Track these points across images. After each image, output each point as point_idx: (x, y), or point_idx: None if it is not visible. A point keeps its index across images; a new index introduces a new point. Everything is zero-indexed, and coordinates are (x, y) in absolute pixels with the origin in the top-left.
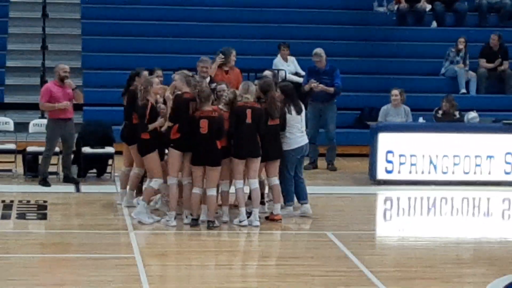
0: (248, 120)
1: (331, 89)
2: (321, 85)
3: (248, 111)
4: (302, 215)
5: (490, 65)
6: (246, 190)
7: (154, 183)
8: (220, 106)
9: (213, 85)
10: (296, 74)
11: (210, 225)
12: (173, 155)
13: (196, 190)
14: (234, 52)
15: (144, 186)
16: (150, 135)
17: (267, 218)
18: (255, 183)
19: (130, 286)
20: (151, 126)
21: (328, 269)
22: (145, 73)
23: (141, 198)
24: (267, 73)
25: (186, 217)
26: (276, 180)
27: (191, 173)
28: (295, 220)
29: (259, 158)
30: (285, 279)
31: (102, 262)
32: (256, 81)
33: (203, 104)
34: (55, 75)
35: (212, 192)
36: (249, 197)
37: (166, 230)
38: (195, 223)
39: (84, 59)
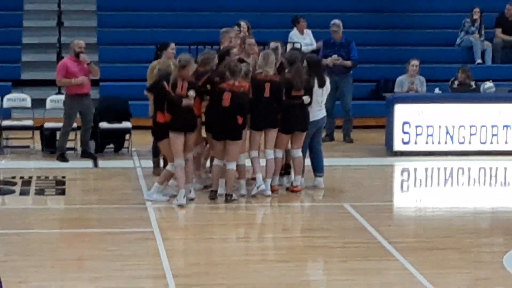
0: (266, 94)
1: (349, 63)
2: (340, 62)
3: (267, 85)
4: (314, 188)
5: (506, 37)
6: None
7: (171, 166)
8: (239, 80)
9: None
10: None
11: (228, 199)
12: (172, 138)
13: (217, 163)
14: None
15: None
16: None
17: (287, 189)
18: (270, 154)
19: (149, 260)
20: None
21: (346, 241)
22: (173, 44)
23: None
24: (272, 44)
25: (190, 191)
26: (299, 152)
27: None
28: (312, 192)
29: (276, 129)
30: (303, 251)
31: (121, 236)
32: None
33: (229, 77)
34: (70, 51)
35: (231, 166)
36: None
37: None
38: (214, 195)
39: (100, 34)
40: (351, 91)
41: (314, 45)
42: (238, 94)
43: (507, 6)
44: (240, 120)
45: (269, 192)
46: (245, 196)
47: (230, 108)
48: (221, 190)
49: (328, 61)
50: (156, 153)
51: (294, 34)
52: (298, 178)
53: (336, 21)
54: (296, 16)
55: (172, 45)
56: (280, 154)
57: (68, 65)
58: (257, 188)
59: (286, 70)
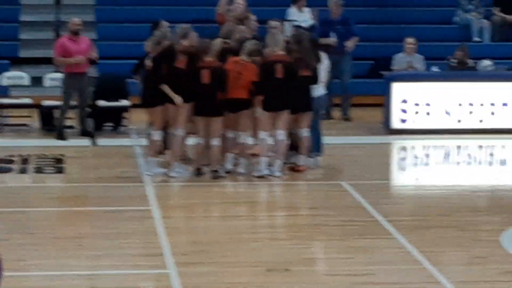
0: (278, 74)
1: (356, 40)
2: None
3: (278, 66)
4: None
5: (505, 15)
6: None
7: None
8: (243, 57)
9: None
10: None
11: (214, 175)
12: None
13: (199, 140)
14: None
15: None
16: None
17: (291, 169)
18: (281, 135)
19: (148, 238)
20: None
21: (345, 219)
22: (164, 22)
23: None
24: (273, 23)
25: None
26: (305, 132)
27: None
28: (310, 171)
29: (288, 111)
30: (301, 229)
31: (120, 214)
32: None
33: (204, 55)
34: (68, 29)
35: (215, 142)
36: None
37: (182, 182)
38: (198, 172)
39: (98, 12)
40: (350, 69)
41: (311, 23)
42: (216, 70)
43: None
44: (221, 96)
45: (278, 173)
46: (242, 174)
47: (209, 85)
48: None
49: (330, 41)
50: None
51: (292, 11)
52: (302, 158)
53: None
54: None
55: (164, 23)
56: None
57: (66, 44)
58: (259, 172)
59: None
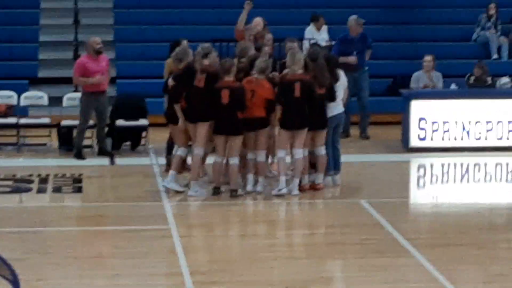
0: (297, 93)
1: (369, 52)
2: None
3: (297, 85)
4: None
5: None
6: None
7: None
8: (255, 75)
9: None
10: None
11: (234, 194)
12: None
13: (218, 159)
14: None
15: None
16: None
17: (310, 187)
18: (299, 153)
19: (166, 258)
20: None
21: (363, 237)
22: (185, 42)
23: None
24: (290, 44)
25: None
26: (322, 150)
27: (201, 143)
28: (329, 189)
29: (306, 129)
30: (320, 247)
31: (138, 234)
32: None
33: (224, 75)
34: (88, 48)
35: (234, 160)
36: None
37: (201, 201)
38: (216, 191)
39: (116, 32)
40: (368, 87)
41: (326, 40)
42: (236, 90)
43: None
44: (239, 115)
45: (296, 192)
46: (260, 193)
47: (229, 105)
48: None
49: (350, 59)
50: (170, 150)
51: (310, 31)
52: (320, 176)
53: (356, 16)
54: (315, 14)
55: (185, 42)
56: (306, 152)
57: (86, 63)
58: (279, 190)
59: (308, 68)
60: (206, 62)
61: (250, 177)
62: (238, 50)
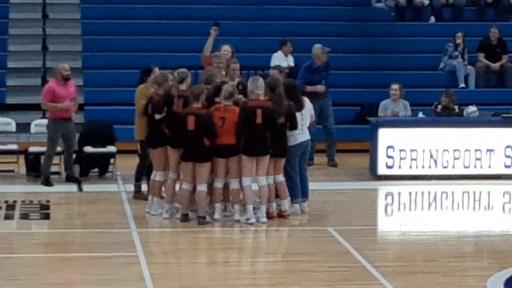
0: (258, 120)
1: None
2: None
3: (259, 111)
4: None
5: (489, 62)
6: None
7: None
8: (223, 101)
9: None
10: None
11: (201, 221)
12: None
13: (186, 186)
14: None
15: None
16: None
17: (277, 214)
18: (263, 180)
19: (135, 284)
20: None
21: (331, 265)
22: (157, 69)
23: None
24: (273, 72)
25: (177, 211)
26: (281, 177)
27: (178, 169)
28: (297, 216)
29: (268, 156)
30: (288, 275)
31: (106, 260)
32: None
33: (192, 101)
34: (56, 75)
35: (201, 188)
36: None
37: (169, 228)
38: (184, 219)
39: (85, 59)
40: (332, 114)
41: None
42: (202, 116)
43: (492, 29)
44: (206, 142)
45: (264, 219)
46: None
47: (195, 131)
48: (217, 215)
49: (319, 88)
50: (138, 177)
51: (278, 56)
52: (285, 203)
53: (321, 45)
54: (285, 39)
55: (156, 69)
56: (271, 180)
57: (55, 89)
58: (247, 220)
59: (267, 97)
60: (183, 87)
61: (217, 206)
62: (204, 77)
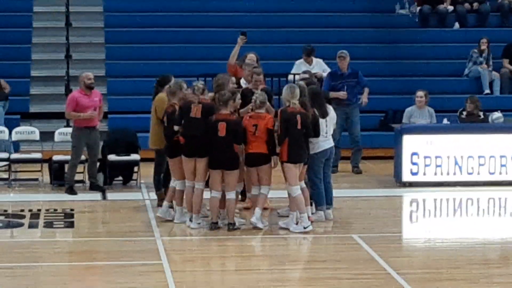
0: (299, 126)
1: (367, 90)
2: (364, 100)
3: (298, 117)
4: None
5: None
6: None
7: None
8: (256, 110)
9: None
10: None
11: (230, 227)
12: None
13: (215, 194)
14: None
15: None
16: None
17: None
18: (302, 186)
19: None
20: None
21: (355, 272)
22: (173, 78)
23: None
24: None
25: (190, 220)
26: (302, 184)
27: (202, 177)
28: (322, 224)
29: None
30: (312, 283)
31: (130, 269)
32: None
33: (221, 107)
34: (80, 83)
35: (231, 195)
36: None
37: (193, 236)
38: (214, 226)
39: (108, 67)
40: (359, 121)
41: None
42: (233, 122)
43: None
44: (236, 148)
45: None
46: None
47: (226, 138)
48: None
49: (341, 94)
50: (159, 187)
51: (300, 63)
52: (308, 209)
53: (343, 50)
54: (309, 46)
55: (173, 78)
56: (303, 184)
57: (78, 98)
58: (304, 228)
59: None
60: (203, 97)
61: (258, 211)
62: (215, 84)
